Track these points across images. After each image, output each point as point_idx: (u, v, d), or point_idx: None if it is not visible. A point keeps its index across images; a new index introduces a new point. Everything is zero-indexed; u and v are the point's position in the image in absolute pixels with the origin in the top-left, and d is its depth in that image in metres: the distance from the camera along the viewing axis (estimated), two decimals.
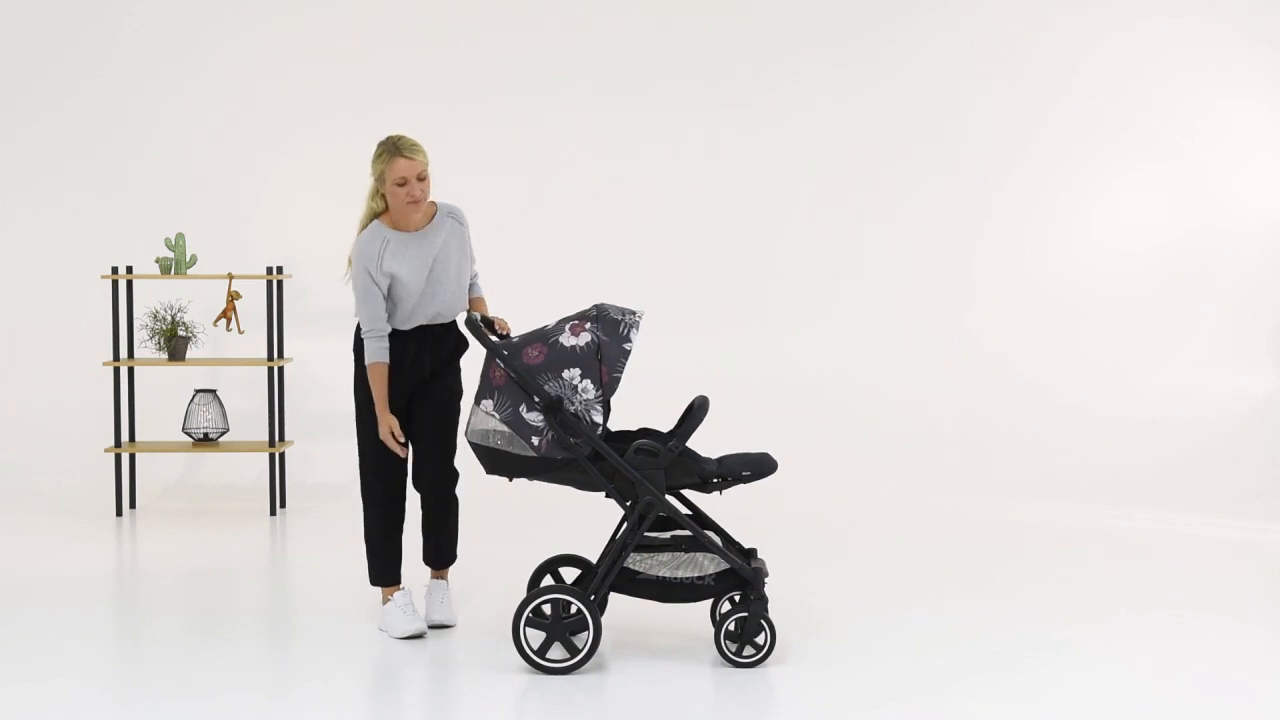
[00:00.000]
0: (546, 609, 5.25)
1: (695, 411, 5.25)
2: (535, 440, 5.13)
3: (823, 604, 6.13)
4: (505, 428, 5.18)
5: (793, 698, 5.01)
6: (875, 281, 9.54)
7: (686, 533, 5.27)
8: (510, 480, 5.33)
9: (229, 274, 8.23)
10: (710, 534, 5.31)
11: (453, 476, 5.77)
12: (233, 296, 8.24)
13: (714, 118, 9.59)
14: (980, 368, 9.25)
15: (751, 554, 5.42)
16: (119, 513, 8.23)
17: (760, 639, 5.23)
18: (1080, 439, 9.19)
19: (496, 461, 5.24)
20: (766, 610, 5.24)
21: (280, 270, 8.29)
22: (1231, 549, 7.31)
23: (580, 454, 5.15)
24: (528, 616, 5.18)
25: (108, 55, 9.53)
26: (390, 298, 5.57)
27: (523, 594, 5.88)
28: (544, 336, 5.18)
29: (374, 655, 5.48)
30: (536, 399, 5.14)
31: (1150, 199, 9.55)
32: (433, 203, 5.68)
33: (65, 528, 7.92)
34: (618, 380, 5.14)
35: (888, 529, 7.76)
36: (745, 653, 5.25)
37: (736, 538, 5.53)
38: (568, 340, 5.14)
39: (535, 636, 5.29)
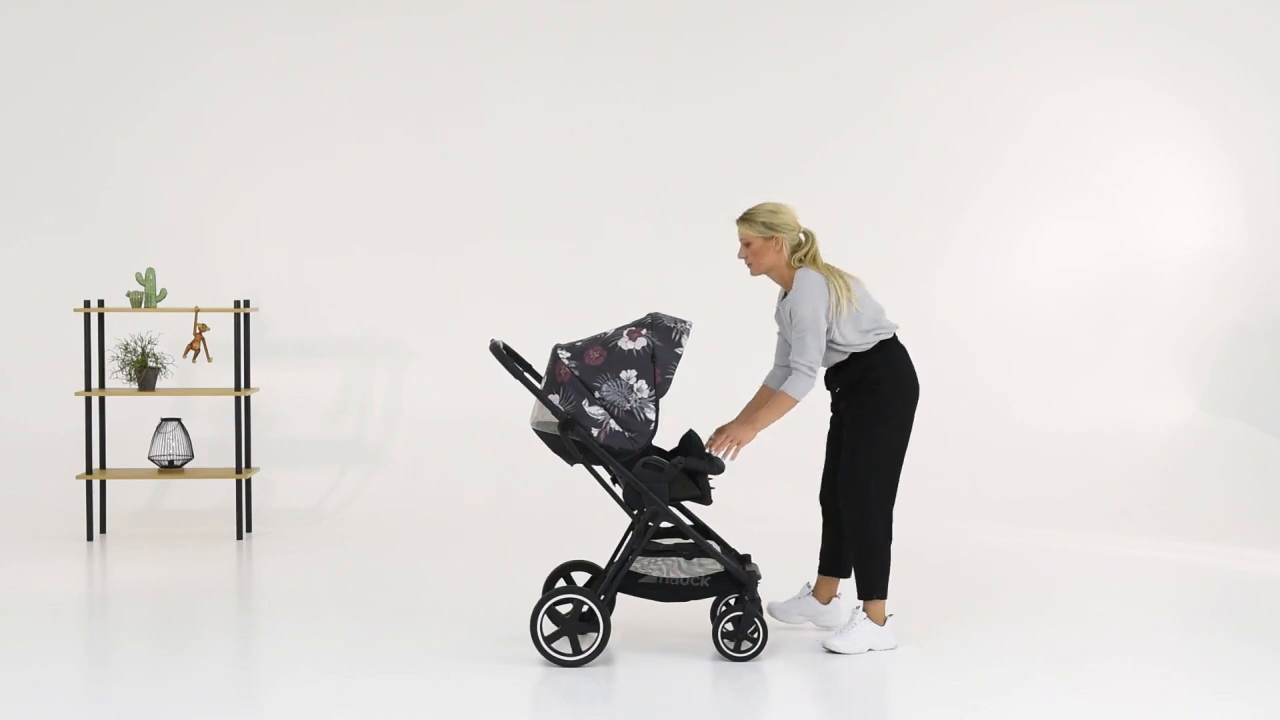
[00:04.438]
0: (561, 609, 5.73)
1: (695, 441, 5.82)
2: (595, 431, 5.61)
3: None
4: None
5: (782, 688, 5.56)
6: None
7: (688, 540, 5.78)
8: (570, 465, 5.82)
9: (195, 308, 8.52)
10: (709, 541, 5.83)
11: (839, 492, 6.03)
12: (200, 329, 8.54)
13: (667, 170, 9.88)
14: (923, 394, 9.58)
15: (746, 559, 5.90)
16: (90, 537, 8.41)
17: (754, 636, 5.73)
18: (1011, 462, 9.47)
19: (555, 447, 5.74)
20: (760, 610, 5.74)
21: (247, 304, 8.57)
22: (1155, 566, 7.68)
23: (635, 447, 5.63)
24: (544, 615, 5.65)
25: (76, 94, 9.76)
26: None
27: (538, 595, 6.21)
28: (604, 341, 5.67)
29: (343, 668, 5.74)
30: (564, 408, 5.60)
31: (1082, 240, 9.91)
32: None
33: (38, 551, 8.08)
34: (669, 381, 5.66)
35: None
36: (741, 648, 5.75)
37: (732, 545, 5.97)
38: (625, 344, 5.63)
39: (548, 630, 5.74)
